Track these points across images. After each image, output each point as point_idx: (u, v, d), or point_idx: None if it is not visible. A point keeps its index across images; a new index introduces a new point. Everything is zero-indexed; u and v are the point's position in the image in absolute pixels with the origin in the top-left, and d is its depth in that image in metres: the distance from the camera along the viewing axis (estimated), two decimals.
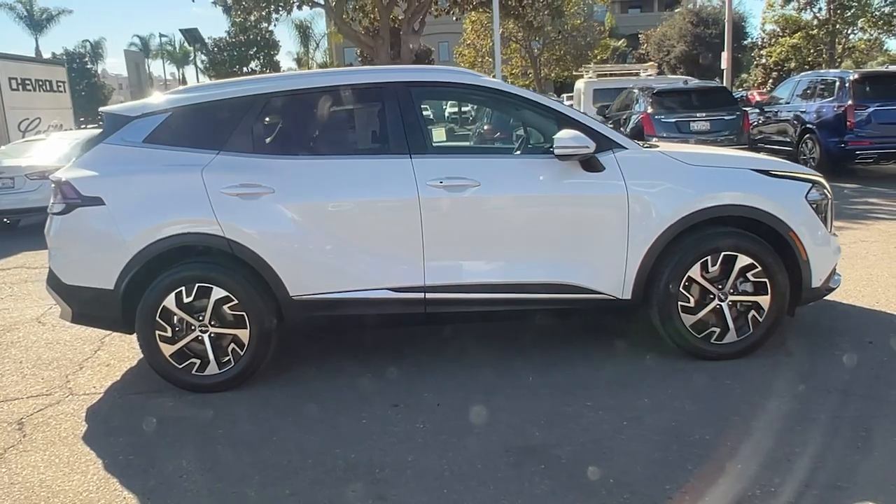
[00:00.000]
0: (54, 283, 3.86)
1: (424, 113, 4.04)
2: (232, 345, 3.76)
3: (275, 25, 18.87)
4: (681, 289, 3.76)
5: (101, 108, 4.18)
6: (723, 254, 3.73)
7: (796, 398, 3.37)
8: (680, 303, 3.77)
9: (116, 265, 3.69)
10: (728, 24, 20.61)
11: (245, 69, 41.36)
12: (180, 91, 4.09)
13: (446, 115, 18.24)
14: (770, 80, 38.73)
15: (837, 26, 35.56)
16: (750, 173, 3.81)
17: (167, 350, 3.75)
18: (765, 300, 3.77)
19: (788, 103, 12.28)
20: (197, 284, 3.68)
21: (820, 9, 35.45)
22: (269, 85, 3.90)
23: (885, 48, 41.65)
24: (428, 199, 3.65)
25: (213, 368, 3.77)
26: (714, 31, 34.68)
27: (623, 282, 3.75)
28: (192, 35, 20.15)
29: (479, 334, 4.44)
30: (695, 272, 3.74)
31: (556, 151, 3.56)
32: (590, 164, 3.67)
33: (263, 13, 18.23)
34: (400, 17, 18.63)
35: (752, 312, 3.80)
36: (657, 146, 4.03)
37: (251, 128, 3.79)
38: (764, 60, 39.53)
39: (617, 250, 3.73)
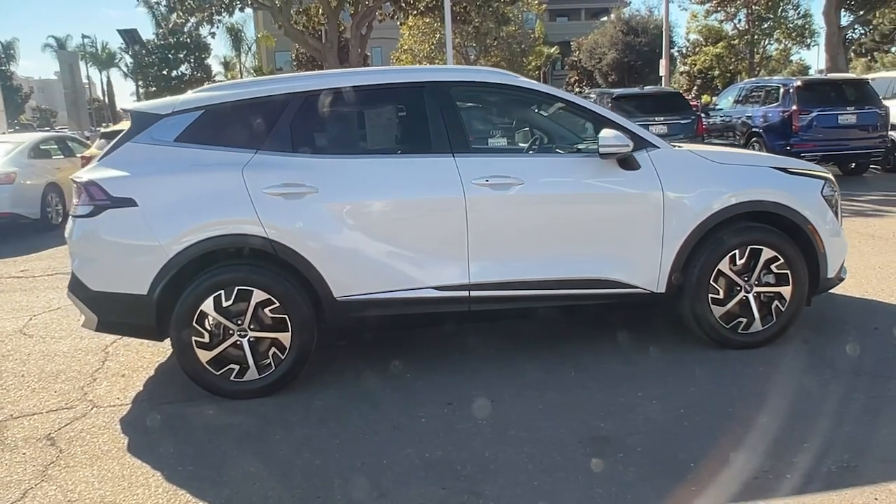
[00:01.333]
0: (79, 289, 3.67)
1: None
2: (273, 349, 3.67)
3: (217, 27, 18.43)
4: (711, 281, 3.92)
5: (125, 106, 4.00)
6: (749, 247, 3.92)
7: (827, 380, 3.57)
8: (710, 295, 3.93)
9: (151, 269, 3.54)
10: (665, 32, 21.47)
11: (174, 73, 40.03)
12: (211, 89, 3.95)
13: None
14: (694, 87, 40.56)
15: (756, 37, 37.59)
16: (772, 171, 4.02)
17: (204, 356, 3.63)
18: (787, 290, 3.98)
19: (734, 108, 12.90)
20: (237, 287, 3.58)
21: (740, 20, 37.40)
22: (306, 83, 3.83)
23: (790, 59, 44.16)
24: (474, 198, 3.67)
25: (252, 374, 3.66)
26: (643, 39, 36.01)
27: (658, 276, 3.88)
28: (131, 36, 19.29)
29: (501, 332, 4.48)
30: (724, 265, 3.91)
31: (601, 150, 3.65)
32: (627, 162, 3.78)
33: (206, 15, 17.73)
34: (347, 23, 18.49)
35: (776, 302, 4.00)
36: (681, 145, 4.19)
37: (290, 126, 3.71)
38: (688, 68, 41.38)
39: (653, 245, 3.85)
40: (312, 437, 3.24)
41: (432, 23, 32.81)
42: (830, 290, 4.30)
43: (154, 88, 38.27)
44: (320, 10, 19.72)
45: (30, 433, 3.45)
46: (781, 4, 34.34)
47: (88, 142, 13.76)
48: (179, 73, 40.13)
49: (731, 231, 3.89)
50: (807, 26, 38.19)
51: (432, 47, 35.70)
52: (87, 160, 10.37)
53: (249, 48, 50.05)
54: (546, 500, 2.63)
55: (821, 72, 38.66)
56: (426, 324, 4.13)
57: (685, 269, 3.88)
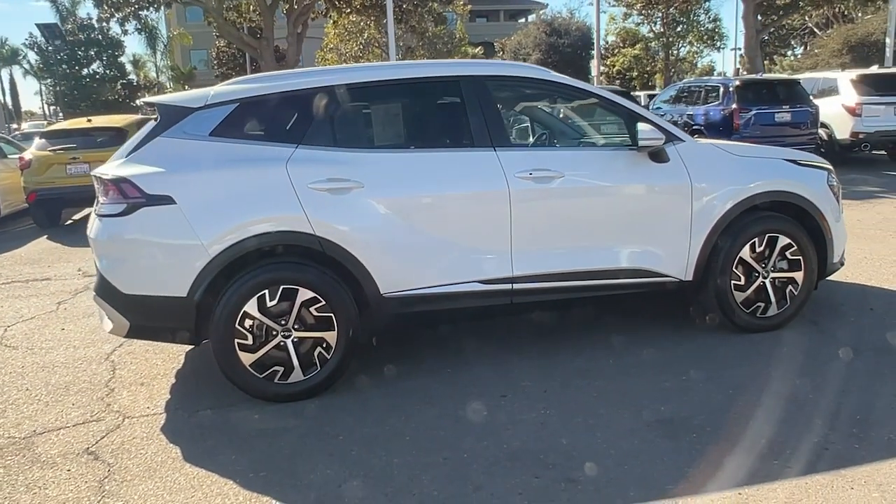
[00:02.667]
0: (108, 293, 3.45)
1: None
2: (318, 349, 3.57)
3: (142, 24, 17.50)
4: (734, 268, 4.10)
5: (150, 99, 3.78)
6: (767, 235, 4.12)
7: (850, 358, 3.81)
8: (733, 281, 4.11)
9: (191, 270, 3.38)
10: (597, 34, 22.12)
11: (85, 71, 37.85)
12: (242, 82, 3.80)
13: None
14: None
15: (670, 39, 39.35)
16: (785, 163, 4.25)
17: (247, 359, 3.49)
18: (799, 276, 4.22)
19: (674, 107, 13.47)
20: (281, 287, 3.46)
21: (656, 23, 39.04)
22: (344, 76, 3.75)
23: (700, 61, 46.43)
24: (517, 191, 3.70)
25: (297, 375, 3.56)
26: (566, 40, 36.95)
27: (687, 264, 4.03)
28: (51, 31, 18.00)
29: (526, 325, 4.52)
30: (745, 253, 4.11)
31: (640, 143, 3.76)
32: (658, 155, 3.91)
33: (132, 10, 16.89)
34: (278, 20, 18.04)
35: (789, 287, 4.23)
36: (700, 139, 4.36)
37: (330, 120, 3.62)
38: (607, 69, 42.80)
39: (682, 235, 3.99)
40: (378, 436, 3.18)
41: (359, 21, 32.61)
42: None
43: (63, 87, 36.05)
44: (251, 7, 19.21)
45: (64, 448, 3.23)
46: (694, 9, 36.06)
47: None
48: (91, 72, 37.92)
49: (751, 220, 4.08)
50: (717, 30, 40.39)
51: (360, 47, 35.41)
52: (26, 162, 9.72)
53: (165, 46, 48.00)
54: (643, 483, 2.70)
55: (723, 73, 40.82)
56: (467, 318, 4.12)
57: (711, 257, 4.05)
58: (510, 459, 2.92)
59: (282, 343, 3.52)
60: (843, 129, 12.15)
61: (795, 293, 4.23)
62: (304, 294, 3.49)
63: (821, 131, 12.30)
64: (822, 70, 23.24)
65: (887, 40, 18.11)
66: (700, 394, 3.46)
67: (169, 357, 4.35)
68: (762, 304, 4.19)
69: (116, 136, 9.75)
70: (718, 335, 4.18)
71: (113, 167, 3.50)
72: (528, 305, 3.91)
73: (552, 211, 3.81)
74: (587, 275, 3.89)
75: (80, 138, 9.81)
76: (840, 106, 12.23)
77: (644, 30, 40.71)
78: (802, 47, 43.76)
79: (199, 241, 3.36)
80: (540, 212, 3.78)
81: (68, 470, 3.03)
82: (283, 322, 3.51)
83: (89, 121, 10.38)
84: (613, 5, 39.59)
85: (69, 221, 10.98)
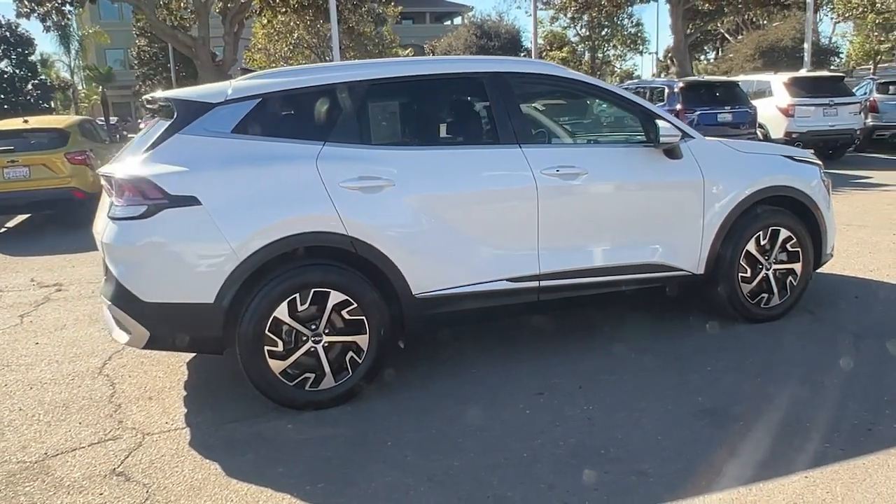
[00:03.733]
0: (126, 302, 3.22)
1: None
2: (349, 353, 3.46)
3: (69, 20, 16.45)
4: (741, 261, 4.23)
5: (165, 94, 3.55)
6: (770, 229, 4.28)
7: (854, 343, 4.00)
8: (740, 274, 4.25)
9: (219, 274, 3.20)
10: (534, 37, 22.45)
11: None
12: (262, 76, 3.62)
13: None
14: None
15: (596, 43, 40.53)
16: (784, 159, 4.42)
17: (277, 367, 3.34)
18: (798, 267, 4.40)
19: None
20: (312, 290, 3.33)
21: (582, 26, 40.11)
22: (370, 71, 3.64)
23: (622, 64, 48.01)
24: (545, 188, 3.69)
25: (328, 381, 3.43)
26: (496, 42, 37.39)
27: (699, 259, 4.13)
28: None
29: (529, 324, 4.52)
30: (751, 246, 4.25)
31: (662, 139, 3.82)
32: (672, 152, 3.99)
33: (53, 5, 15.91)
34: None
35: (789, 278, 4.40)
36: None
37: (356, 117, 3.51)
38: None
39: (695, 230, 4.09)
40: (427, 440, 3.11)
41: (288, 22, 31.96)
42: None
43: None
44: (181, 5, 18.50)
45: (87, 471, 2.99)
46: (619, 14, 37.28)
47: None
48: None
49: (756, 215, 4.23)
50: (639, 34, 41.90)
51: (289, 47, 34.72)
52: None
53: (80, 44, 45.52)
54: (709, 471, 2.73)
55: (639, 76, 42.30)
56: (493, 318, 4.08)
57: (721, 250, 4.16)
58: (572, 456, 2.91)
59: (312, 349, 3.39)
60: (777, 129, 12.79)
61: (795, 283, 4.41)
62: (336, 297, 3.37)
63: (757, 131, 12.90)
64: (737, 73, 24.52)
65: (805, 45, 19.22)
66: (728, 384, 3.55)
67: (169, 369, 4.11)
68: (766, 295, 4.35)
69: (58, 138, 9.19)
70: (721, 328, 4.30)
71: (128, 166, 3.26)
72: (553, 303, 3.91)
73: (577, 207, 3.82)
74: (608, 270, 3.93)
75: (17, 140, 9.16)
76: (774, 107, 12.88)
77: (570, 33, 41.79)
78: (715, 52, 45.98)
79: (227, 243, 3.19)
80: (566, 208, 3.78)
81: (100, 493, 2.81)
82: (313, 327, 3.38)
83: (26, 121, 9.71)
84: (541, 9, 40.40)
85: (3, 229, 10.25)
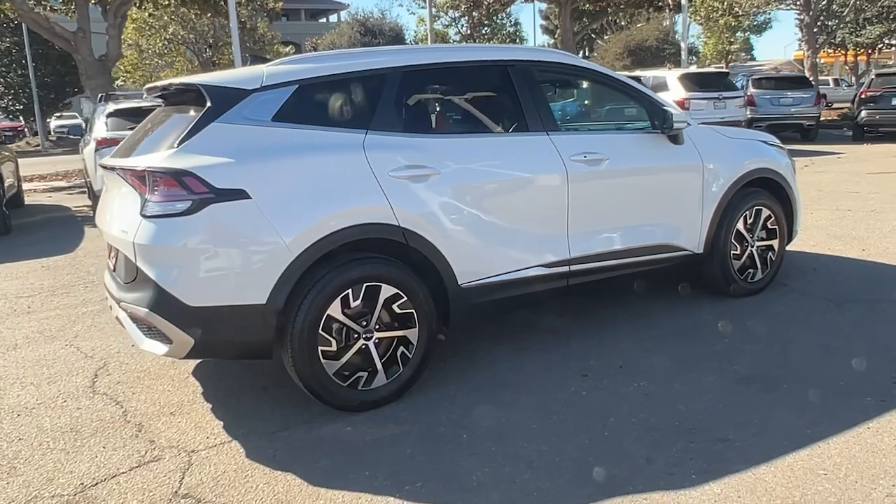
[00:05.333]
0: (167, 307, 2.92)
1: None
2: (400, 348, 3.35)
3: None
4: (732, 240, 4.52)
5: (192, 80, 3.24)
6: (755, 208, 4.60)
7: (841, 309, 4.38)
8: (732, 252, 4.53)
9: (271, 273, 2.99)
10: (430, 34, 22.50)
11: None
12: (293, 61, 3.38)
13: None
14: None
15: (476, 41, 41.33)
16: (760, 143, 4.76)
17: (331, 367, 3.18)
18: (776, 243, 4.76)
19: None
20: (365, 284, 3.20)
21: (463, 25, 40.77)
22: (405, 57, 3.52)
23: None
24: (573, 174, 3.75)
25: (381, 379, 3.31)
26: (381, 40, 37.23)
27: (700, 239, 4.37)
28: None
29: (541, 309, 4.59)
30: (740, 225, 4.54)
31: (676, 125, 4.00)
32: (676, 138, 4.18)
33: None
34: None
35: (769, 254, 4.75)
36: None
37: (394, 104, 3.39)
38: None
39: (696, 211, 4.32)
40: (499, 429, 3.07)
41: (162, 16, 30.16)
42: None
43: None
44: None
45: (145, 497, 2.70)
46: (499, 13, 38.27)
47: None
48: None
49: (744, 196, 4.52)
50: (518, 33, 43.23)
51: (164, 43, 32.75)
52: None
53: None
54: (783, 431, 2.90)
55: None
56: (523, 306, 4.08)
57: (717, 230, 4.42)
58: (650, 430, 2.99)
59: (363, 346, 3.25)
60: None
61: (773, 259, 4.76)
62: (387, 291, 3.25)
63: None
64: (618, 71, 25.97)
65: (682, 45, 20.72)
66: (752, 352, 3.77)
67: (176, 382, 3.79)
68: (751, 271, 4.67)
69: None
70: (717, 303, 4.57)
71: (163, 159, 2.96)
72: (581, 286, 3.98)
73: (601, 193, 3.91)
74: (626, 253, 4.06)
75: None
76: (671, 101, 13.72)
77: (452, 32, 42.35)
78: (582, 52, 48.35)
79: (280, 239, 2.98)
80: (591, 194, 3.86)
81: None
82: (364, 323, 3.24)
83: None
84: (423, 7, 40.66)
85: None
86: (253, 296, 2.98)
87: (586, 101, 4.45)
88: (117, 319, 3.35)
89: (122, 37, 33.34)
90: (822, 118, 17.04)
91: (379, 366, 3.28)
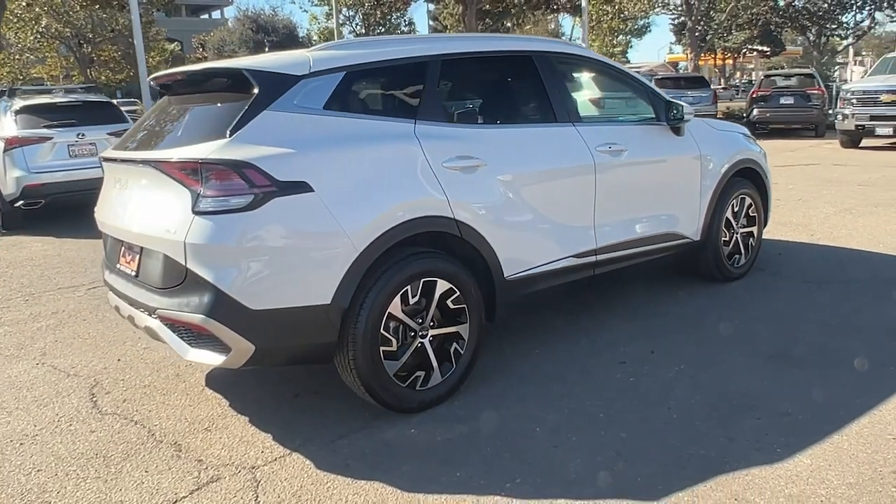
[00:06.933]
0: (228, 313, 2.67)
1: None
2: (453, 345, 3.25)
3: None
4: (723, 227, 4.74)
5: (232, 64, 2.96)
6: (740, 197, 4.85)
7: (820, 288, 4.71)
8: (722, 238, 4.75)
9: (337, 270, 2.82)
10: (336, 31, 22.07)
11: None
12: (336, 46, 3.17)
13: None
14: None
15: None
16: (741, 135, 5.02)
17: (391, 368, 3.04)
18: (755, 230, 5.05)
19: None
20: (422, 280, 3.08)
21: (357, 24, 40.37)
22: (446, 45, 3.40)
23: None
24: (600, 165, 3.80)
25: (436, 377, 3.20)
26: (274, 38, 36.19)
27: (698, 227, 4.55)
28: None
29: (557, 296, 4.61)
30: (729, 213, 4.78)
31: (686, 118, 4.14)
32: (678, 129, 4.33)
33: None
34: None
35: (750, 240, 5.03)
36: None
37: (440, 93, 3.30)
38: None
39: (696, 200, 4.50)
40: (569, 420, 3.05)
41: (33, 7, 27.82)
42: None
43: None
44: None
45: None
46: (394, 12, 38.23)
47: None
48: None
49: (732, 185, 4.76)
50: (412, 32, 43.32)
51: (35, 37, 30.12)
52: None
53: None
54: (833, 404, 3.07)
55: None
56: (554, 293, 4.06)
57: (712, 218, 4.62)
58: (713, 410, 3.07)
59: (419, 344, 3.13)
60: None
61: (754, 245, 5.05)
62: (442, 286, 3.15)
63: None
64: None
65: (583, 45, 21.55)
66: (766, 332, 3.97)
67: (193, 396, 3.51)
68: (737, 256, 4.92)
69: None
70: (710, 288, 4.78)
71: (216, 150, 2.70)
72: (605, 275, 4.03)
73: (622, 182, 3.98)
74: (641, 241, 4.16)
75: None
76: None
77: (346, 31, 41.82)
78: None
79: (345, 234, 2.81)
80: (615, 184, 3.92)
81: None
82: (420, 320, 3.12)
83: None
84: (316, 4, 39.98)
85: None
86: (318, 296, 2.79)
87: (598, 93, 4.53)
88: (146, 330, 3.03)
89: None
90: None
91: (434, 364, 3.17)
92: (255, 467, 2.80)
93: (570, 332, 4.10)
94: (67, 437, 3.14)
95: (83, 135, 8.32)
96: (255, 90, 2.84)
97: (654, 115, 4.30)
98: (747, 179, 4.92)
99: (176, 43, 41.57)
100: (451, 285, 3.17)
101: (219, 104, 3.01)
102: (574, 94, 3.95)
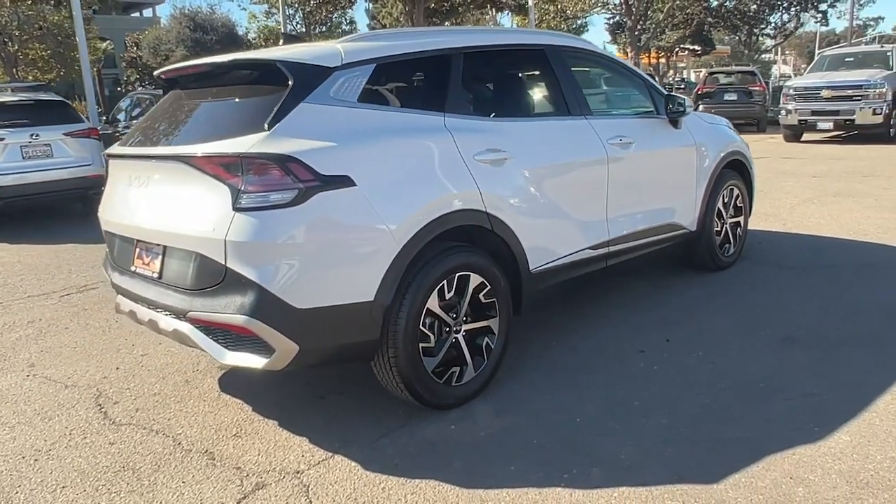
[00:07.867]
0: (273, 313, 2.57)
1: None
2: (485, 339, 3.24)
3: None
4: (715, 217, 4.87)
5: (262, 55, 2.84)
6: (730, 187, 4.99)
7: (809, 273, 4.89)
8: (715, 229, 4.89)
9: (379, 266, 2.76)
10: (283, 26, 21.61)
11: None
12: (364, 38, 3.08)
13: None
14: None
15: (313, 40, 40.55)
16: (727, 128, 5.16)
17: (429, 364, 3.00)
18: (742, 220, 5.21)
19: None
20: (457, 274, 3.05)
21: (298, 22, 39.71)
22: (469, 38, 3.37)
23: None
24: (612, 157, 3.84)
25: (469, 372, 3.18)
26: (213, 36, 35.19)
27: (695, 217, 4.66)
28: None
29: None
30: (720, 203, 4.91)
31: (687, 111, 4.23)
32: (676, 122, 4.43)
33: None
34: None
35: (738, 229, 5.19)
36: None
37: (466, 86, 3.26)
38: None
39: (692, 191, 4.61)
40: (607, 411, 3.07)
41: None
42: None
43: None
44: None
45: None
46: (335, 10, 37.77)
47: None
48: None
49: (722, 176, 4.89)
50: (353, 30, 42.91)
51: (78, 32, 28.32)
52: None
53: None
54: (851, 383, 3.18)
55: None
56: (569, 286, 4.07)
57: (706, 209, 4.74)
58: (741, 394, 3.15)
59: (454, 339, 3.10)
60: None
61: (741, 234, 5.21)
62: (475, 280, 3.13)
63: None
64: None
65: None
66: (770, 317, 4.10)
67: (210, 401, 3.38)
68: (727, 245, 5.07)
69: None
70: (695, 279, 4.91)
71: (257, 143, 2.59)
72: (615, 267, 4.07)
73: (631, 174, 4.04)
74: (647, 233, 4.23)
75: None
76: None
77: (287, 29, 41.05)
78: None
79: (387, 229, 2.75)
80: (625, 176, 3.97)
81: None
82: (454, 315, 3.09)
83: None
84: (255, 2, 39.15)
85: None
86: (361, 293, 2.72)
87: (602, 87, 4.58)
88: (174, 334, 2.88)
89: None
90: None
91: (468, 359, 3.15)
92: (299, 472, 2.71)
93: (579, 326, 4.13)
94: (85, 451, 2.97)
95: (37, 135, 7.90)
96: (290, 82, 2.74)
97: (653, 109, 4.38)
98: (735, 171, 5.07)
99: (109, 41, 39.97)
100: (482, 279, 3.15)
101: (247, 97, 2.89)
102: (583, 88, 3.97)
